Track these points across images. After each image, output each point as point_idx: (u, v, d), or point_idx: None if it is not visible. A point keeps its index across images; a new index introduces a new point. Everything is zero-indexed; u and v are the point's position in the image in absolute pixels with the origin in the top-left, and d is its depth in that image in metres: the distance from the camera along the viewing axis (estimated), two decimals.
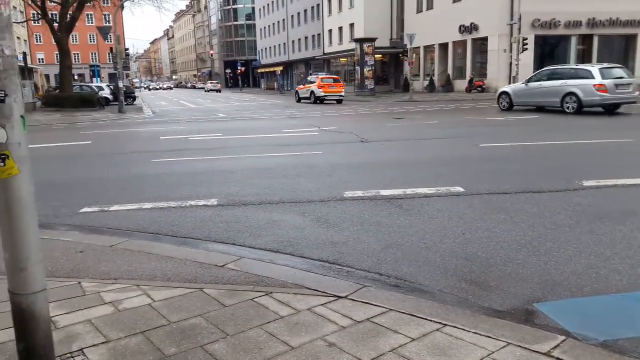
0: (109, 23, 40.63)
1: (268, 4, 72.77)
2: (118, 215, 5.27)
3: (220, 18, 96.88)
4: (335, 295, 3.02)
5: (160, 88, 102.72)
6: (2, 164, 1.93)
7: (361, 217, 4.90)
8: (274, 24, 71.34)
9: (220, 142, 11.82)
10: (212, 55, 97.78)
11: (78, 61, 72.82)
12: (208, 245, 4.26)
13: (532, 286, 3.25)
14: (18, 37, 46.51)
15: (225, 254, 3.93)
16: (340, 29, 49.91)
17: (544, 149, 9.28)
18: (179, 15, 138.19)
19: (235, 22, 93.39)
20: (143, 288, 3.20)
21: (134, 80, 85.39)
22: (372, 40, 39.20)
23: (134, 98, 36.66)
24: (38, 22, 37.94)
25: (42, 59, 72.63)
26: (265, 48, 76.39)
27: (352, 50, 41.35)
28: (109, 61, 37.63)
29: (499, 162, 7.84)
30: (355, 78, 40.92)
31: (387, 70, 47.20)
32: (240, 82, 74.74)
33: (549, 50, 32.64)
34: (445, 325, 2.62)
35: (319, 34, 56.01)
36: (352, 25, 46.88)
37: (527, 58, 29.83)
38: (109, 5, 37.84)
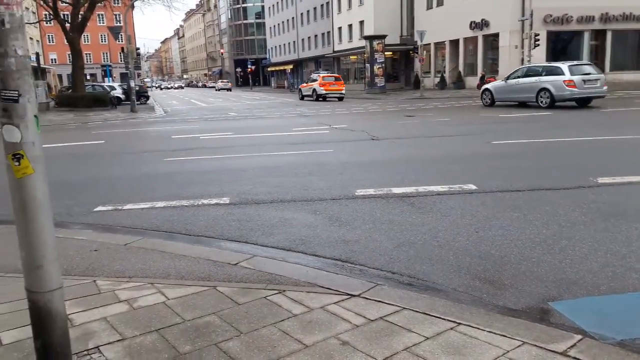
0: (120, 23, 40.93)
1: (277, 2, 72.81)
2: (131, 214, 5.30)
3: (230, 17, 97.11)
4: (348, 294, 3.01)
5: (171, 87, 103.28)
6: (17, 163, 1.94)
7: (373, 215, 4.88)
8: (284, 22, 71.36)
9: (232, 141, 11.86)
10: (222, 54, 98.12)
11: (90, 61, 73.39)
12: (221, 243, 4.27)
13: (547, 285, 3.22)
14: (31, 38, 46.98)
15: (238, 252, 3.94)
16: (350, 26, 49.80)
17: (558, 145, 9.19)
18: (189, 14, 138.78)
19: (245, 21, 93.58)
20: (157, 286, 3.22)
21: (145, 80, 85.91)
22: (382, 37, 39.08)
23: (147, 97, 36.91)
24: (50, 23, 38.30)
25: (55, 59, 73.33)
26: (275, 46, 76.46)
27: (362, 47, 41.27)
28: (121, 61, 37.86)
29: (512, 160, 7.77)
30: (365, 76, 40.85)
31: (397, 67, 47.03)
32: (250, 80, 74.91)
33: (562, 46, 32.31)
34: (460, 324, 2.60)
35: (328, 32, 55.94)
36: (362, 22, 46.76)
37: (539, 54, 29.56)
38: (119, 5, 38.15)
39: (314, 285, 3.17)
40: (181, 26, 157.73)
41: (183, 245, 4.18)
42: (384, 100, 28.50)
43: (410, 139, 11.04)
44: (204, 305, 2.91)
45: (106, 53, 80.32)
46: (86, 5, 28.46)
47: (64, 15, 30.35)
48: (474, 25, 34.06)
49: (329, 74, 34.56)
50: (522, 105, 18.69)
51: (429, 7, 39.83)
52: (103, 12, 54.47)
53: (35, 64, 34.34)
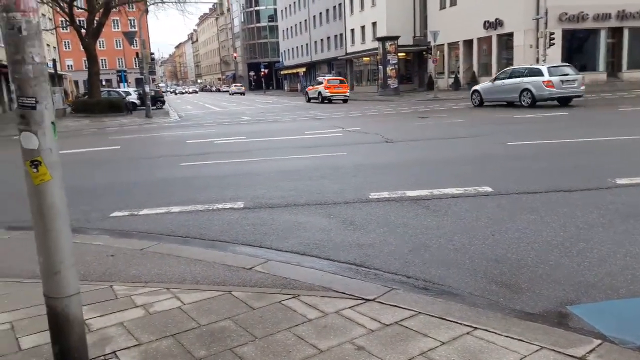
0: (135, 28, 41.38)
1: (290, 5, 73.05)
2: (147, 219, 5.35)
3: (243, 20, 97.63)
4: (363, 298, 3.00)
5: (185, 92, 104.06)
6: (35, 170, 1.97)
7: (387, 219, 4.86)
8: (296, 25, 71.55)
9: (245, 145, 11.91)
10: (235, 58, 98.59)
11: (105, 67, 74.28)
12: (236, 248, 4.29)
13: (565, 288, 3.17)
14: (47, 45, 47.72)
15: (252, 256, 3.94)
16: (363, 28, 49.76)
17: (575, 146, 9.07)
18: (203, 18, 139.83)
19: (257, 24, 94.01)
20: (173, 291, 3.24)
21: (160, 85, 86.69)
22: (395, 38, 38.98)
23: (163, 102, 37.26)
24: (66, 29, 38.90)
25: (71, 65, 74.38)
26: (288, 49, 76.68)
27: (375, 49, 41.19)
28: (135, 66, 38.34)
29: (528, 161, 7.69)
30: (378, 77, 40.75)
31: (410, 68, 46.87)
32: (263, 84, 75.18)
33: (577, 44, 31.93)
34: (476, 328, 2.58)
35: (341, 34, 55.96)
36: (374, 24, 46.70)
37: (555, 53, 29.25)
38: (134, 10, 38.51)
39: (329, 290, 3.17)
40: (195, 30, 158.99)
41: (198, 250, 4.20)
42: (397, 102, 28.41)
43: (424, 141, 10.99)
44: (219, 310, 2.92)
45: (121, 58, 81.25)
46: (101, 10, 28.86)
47: (79, 21, 30.80)
48: (488, 25, 33.81)
49: (333, 77, 36.07)
50: (510, 104, 19.44)
51: (442, 7, 39.64)
52: (118, 18, 55.11)
53: (52, 71, 34.89)
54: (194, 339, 2.59)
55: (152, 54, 33.16)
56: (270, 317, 2.81)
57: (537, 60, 29.40)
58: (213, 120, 22.41)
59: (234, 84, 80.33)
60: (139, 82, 38.66)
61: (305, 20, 67.22)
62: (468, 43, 37.04)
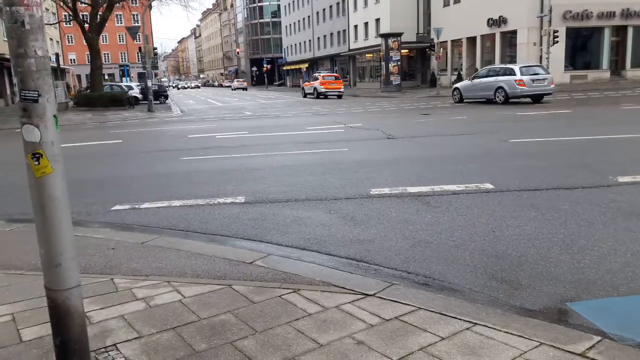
0: (138, 23, 41.34)
1: (293, 1, 72.86)
2: (148, 213, 5.36)
3: (246, 16, 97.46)
4: (363, 293, 3.01)
5: (188, 87, 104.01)
6: (36, 162, 1.97)
7: (388, 215, 4.86)
8: (299, 21, 71.39)
9: (247, 140, 11.91)
10: (238, 54, 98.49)
11: (108, 61, 74.29)
12: (236, 242, 4.30)
13: (565, 285, 3.18)
14: (51, 39, 47.71)
15: (253, 250, 3.95)
16: (366, 24, 49.62)
17: (577, 143, 9.05)
18: (206, 14, 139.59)
19: (261, 20, 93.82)
20: (174, 284, 3.25)
21: (162, 80, 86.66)
22: (398, 35, 38.88)
23: (166, 97, 37.22)
24: (69, 24, 38.84)
25: (74, 59, 74.37)
26: (291, 45, 76.55)
27: (378, 46, 41.11)
28: (138, 61, 38.31)
29: (530, 158, 7.68)
30: (381, 74, 40.67)
31: (413, 65, 46.75)
32: (266, 80, 75.09)
33: (581, 42, 31.82)
34: (476, 324, 2.58)
35: (344, 30, 55.82)
36: (378, 20, 46.55)
37: (558, 51, 29.17)
38: (137, 5, 38.49)
39: (329, 285, 3.17)
40: (198, 26, 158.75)
41: (199, 243, 4.21)
42: (399, 99, 28.37)
43: (426, 138, 10.98)
44: (219, 304, 2.93)
45: (124, 53, 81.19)
46: (105, 5, 28.81)
47: (83, 15, 30.77)
48: (492, 22, 33.69)
49: (329, 74, 37.74)
50: (489, 102, 20.50)
51: (446, 4, 39.48)
52: (121, 13, 55.02)
53: (55, 65, 34.90)
54: (194, 332, 2.60)
55: (155, 48, 33.11)
56: (271, 311, 2.82)
57: (541, 58, 29.32)
58: (215, 115, 22.40)
59: (236, 80, 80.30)
60: (142, 77, 38.67)
61: (309, 16, 67.06)
62: (471, 40, 36.91)
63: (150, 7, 31.03)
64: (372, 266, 3.62)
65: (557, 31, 28.24)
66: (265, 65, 74.65)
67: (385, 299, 2.93)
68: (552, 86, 19.35)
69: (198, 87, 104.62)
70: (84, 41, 30.06)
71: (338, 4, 57.28)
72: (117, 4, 30.37)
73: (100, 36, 30.81)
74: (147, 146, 12.11)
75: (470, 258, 3.68)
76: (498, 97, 19.84)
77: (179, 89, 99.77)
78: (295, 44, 74.36)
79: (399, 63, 38.77)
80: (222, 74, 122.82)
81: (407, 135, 11.24)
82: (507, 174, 6.48)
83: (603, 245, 3.79)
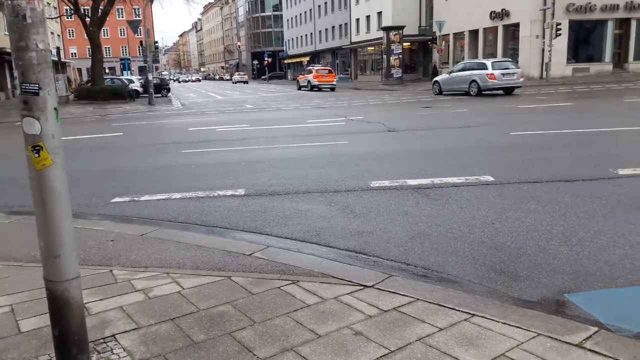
0: (139, 17, 41.20)
1: None
2: (148, 205, 5.37)
3: (247, 10, 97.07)
4: (362, 285, 3.01)
5: (189, 80, 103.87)
6: (36, 155, 1.97)
7: (388, 207, 4.87)
8: (301, 14, 71.09)
9: (247, 133, 11.90)
10: (239, 47, 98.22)
11: (109, 55, 74.10)
12: (236, 234, 4.30)
13: (563, 277, 3.18)
14: (52, 32, 47.62)
15: (252, 242, 3.96)
16: (368, 17, 49.41)
17: (578, 136, 9.03)
18: (207, 7, 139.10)
19: (262, 13, 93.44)
20: (173, 276, 3.26)
21: (163, 73, 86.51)
22: (400, 28, 38.71)
23: (168, 90, 37.18)
24: (71, 17, 38.82)
25: (75, 53, 74.22)
26: (292, 38, 76.28)
27: (380, 39, 40.93)
28: (139, 54, 38.16)
29: (531, 151, 7.66)
30: (382, 67, 40.55)
31: (415, 58, 46.59)
32: (267, 73, 74.90)
33: (584, 35, 31.65)
34: (474, 315, 2.59)
35: (346, 23, 55.58)
36: (379, 13, 46.35)
37: (561, 44, 29.00)
38: None
39: (328, 276, 3.18)
40: (199, 19, 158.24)
41: (198, 235, 4.22)
42: (400, 92, 28.30)
43: (426, 130, 10.96)
44: (218, 295, 2.94)
45: (125, 47, 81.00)
46: None
47: (84, 9, 30.70)
48: (494, 15, 33.51)
49: (322, 67, 38.88)
50: (466, 93, 21.75)
51: None
52: (122, 7, 54.77)
53: (56, 58, 34.86)
54: (193, 323, 2.61)
55: (156, 42, 33.01)
56: (269, 302, 2.83)
57: (543, 51, 29.18)
58: (216, 108, 22.38)
59: (237, 73, 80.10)
60: (143, 71, 38.63)
61: (310, 9, 66.74)
62: (474, 33, 36.72)
63: (151, 1, 30.96)
64: (371, 258, 3.62)
65: (559, 24, 28.07)
66: (266, 59, 74.41)
67: (383, 290, 2.94)
68: (521, 80, 21.14)
69: (199, 80, 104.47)
70: (85, 35, 30.02)
71: None
72: None
73: (102, 30, 30.74)
74: (147, 139, 12.11)
75: (470, 250, 3.68)
76: (472, 89, 21.20)
77: (179, 82, 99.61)
78: (297, 37, 74.09)
79: (400, 56, 38.62)
80: (223, 68, 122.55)
81: (408, 128, 11.22)
82: (508, 167, 6.47)
83: (602, 238, 3.79)
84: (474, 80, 21.16)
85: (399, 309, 2.69)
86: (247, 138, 10.87)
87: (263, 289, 3.01)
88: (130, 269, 3.44)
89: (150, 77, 26.01)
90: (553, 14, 28.60)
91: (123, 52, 79.27)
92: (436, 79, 24.65)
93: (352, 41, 53.80)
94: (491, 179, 5.78)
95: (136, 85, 33.46)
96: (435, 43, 34.22)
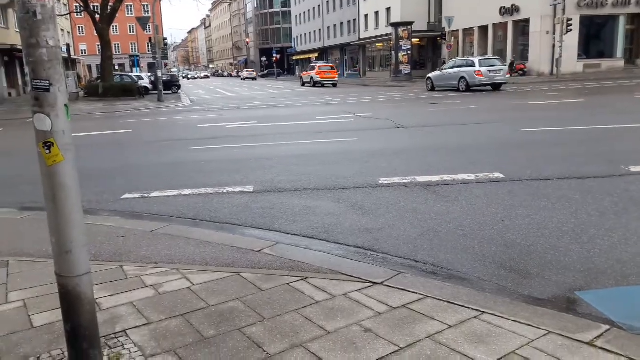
0: (148, 13, 41.35)
1: None
2: (158, 202, 5.40)
3: (256, 6, 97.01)
4: (371, 282, 3.01)
5: (198, 77, 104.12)
6: (47, 151, 1.98)
7: (397, 204, 4.85)
8: (309, 11, 70.96)
9: (256, 130, 11.92)
10: (248, 44, 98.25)
11: (118, 52, 74.44)
12: (245, 230, 4.32)
13: (574, 274, 3.16)
14: (62, 29, 47.90)
15: (261, 239, 3.97)
16: (377, 13, 49.21)
17: (589, 133, 8.95)
18: (216, 4, 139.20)
19: (270, 10, 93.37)
20: (183, 272, 3.27)
21: (172, 70, 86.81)
22: (409, 24, 38.53)
23: (179, 87, 37.31)
24: (80, 14, 38.94)
25: (85, 50, 74.65)
26: (301, 35, 76.18)
27: (389, 35, 40.78)
28: (148, 51, 38.37)
29: (541, 148, 7.60)
30: (391, 63, 40.39)
31: (424, 54, 46.36)
32: (275, 69, 74.87)
33: (595, 31, 31.33)
34: (484, 312, 2.58)
35: (354, 20, 55.41)
36: (388, 9, 46.14)
37: (572, 40, 28.72)
38: None
39: (337, 273, 3.18)
40: (208, 16, 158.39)
41: (208, 232, 4.23)
42: (409, 88, 28.18)
43: (436, 127, 10.91)
44: (228, 291, 2.95)
45: (134, 43, 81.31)
46: None
47: (93, 6, 30.84)
48: (504, 11, 33.23)
49: (324, 64, 39.89)
50: (456, 90, 22.58)
51: None
52: (131, 3, 55.05)
53: (66, 55, 35.06)
54: (203, 319, 2.62)
55: (165, 39, 33.11)
56: (279, 298, 2.83)
57: (554, 47, 28.91)
58: (225, 105, 22.42)
59: (245, 70, 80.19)
60: (152, 67, 38.76)
61: (319, 5, 66.60)
62: (483, 29, 36.45)
63: None
64: (380, 255, 3.62)
65: (570, 19, 27.78)
66: (274, 55, 74.40)
67: (393, 287, 2.93)
68: (507, 76, 22.51)
69: (207, 77, 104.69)
70: (95, 32, 30.18)
71: None
72: None
73: (111, 27, 30.86)
74: (156, 136, 12.17)
75: (479, 247, 3.67)
76: (461, 85, 22.30)
77: (188, 79, 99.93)
78: (305, 34, 73.98)
79: (409, 52, 38.46)
80: (231, 64, 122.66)
81: (417, 125, 11.18)
82: (518, 164, 6.43)
83: (614, 235, 3.76)
84: (462, 77, 22.15)
85: (409, 306, 2.69)
86: (256, 135, 10.88)
87: (272, 285, 3.02)
88: (141, 264, 3.46)
89: (159, 73, 26.09)
90: (564, 9, 28.31)
91: (132, 49, 79.58)
92: (429, 75, 25.67)
93: (360, 37, 53.63)
94: (501, 176, 5.75)
95: (145, 82, 33.59)
96: (445, 39, 34.01)
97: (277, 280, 3.08)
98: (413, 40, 39.71)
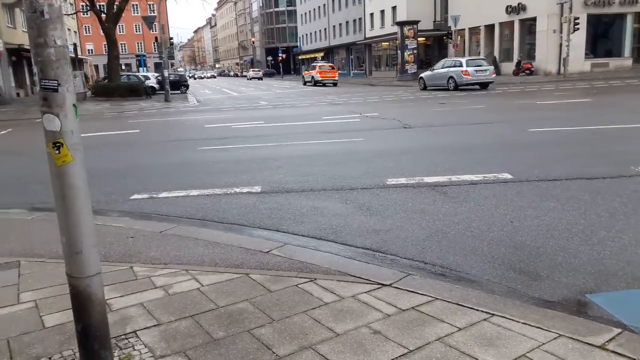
0: (154, 13, 41.47)
1: None
2: (166, 202, 5.41)
3: (261, 5, 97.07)
4: (380, 283, 3.01)
5: (204, 77, 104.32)
6: (56, 151, 1.99)
7: (405, 205, 4.84)
8: (315, 10, 70.93)
9: (263, 130, 11.93)
10: (253, 43, 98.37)
11: (125, 51, 74.68)
12: (253, 231, 4.32)
13: (584, 276, 3.14)
14: (69, 29, 48.12)
15: (269, 240, 3.97)
16: (382, 12, 49.11)
17: (597, 133, 8.89)
18: (221, 3, 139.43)
19: (276, 9, 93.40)
20: (192, 273, 3.28)
21: (179, 70, 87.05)
22: (414, 23, 38.41)
23: (187, 86, 37.33)
24: (87, 14, 39.11)
25: (92, 49, 74.99)
26: (306, 34, 76.16)
27: (395, 34, 40.67)
28: (155, 51, 38.58)
29: (549, 148, 7.57)
30: (397, 62, 40.29)
31: (430, 53, 46.18)
32: (281, 69, 74.88)
33: (603, 29, 31.12)
34: (493, 315, 2.57)
35: (360, 19, 55.32)
36: (394, 8, 46.02)
37: (579, 38, 28.53)
38: None
39: (345, 274, 3.18)
40: (213, 15, 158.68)
41: (216, 232, 4.24)
42: (415, 87, 28.09)
43: (443, 127, 10.88)
44: (236, 292, 2.96)
45: (140, 43, 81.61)
46: None
47: (100, 6, 30.95)
48: (510, 10, 33.07)
49: (325, 64, 41.21)
50: (446, 89, 23.68)
51: None
52: (137, 2, 55.30)
53: (73, 55, 35.22)
54: (212, 320, 2.63)
55: (171, 38, 33.26)
56: (287, 300, 2.84)
57: (561, 46, 28.75)
58: (231, 105, 22.46)
59: (251, 69, 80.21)
60: (158, 67, 38.85)
61: (324, 4, 66.55)
62: (490, 28, 36.29)
63: None
64: (389, 256, 3.61)
65: (577, 18, 27.61)
66: (280, 55, 74.40)
67: (401, 289, 2.93)
68: (493, 76, 23.63)
69: (214, 77, 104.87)
70: (101, 31, 30.26)
71: None
72: None
73: (117, 26, 30.99)
74: (164, 136, 12.20)
75: (488, 249, 3.65)
76: (450, 84, 23.51)
77: (195, 79, 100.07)
78: (311, 33, 73.95)
79: (415, 51, 38.34)
80: (237, 64, 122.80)
81: (424, 125, 11.15)
82: (526, 164, 6.40)
83: (624, 237, 3.73)
84: (451, 77, 23.39)
85: (418, 308, 2.68)
86: (263, 135, 10.89)
87: (281, 286, 3.02)
88: (150, 265, 3.47)
89: (166, 73, 26.16)
90: (571, 8, 28.14)
91: (139, 49, 79.87)
92: (421, 75, 26.86)
93: (366, 36, 53.54)
94: (509, 176, 5.73)
95: (152, 82, 33.67)
96: (451, 38, 33.86)
97: (285, 282, 3.08)
98: (419, 39, 39.57)
